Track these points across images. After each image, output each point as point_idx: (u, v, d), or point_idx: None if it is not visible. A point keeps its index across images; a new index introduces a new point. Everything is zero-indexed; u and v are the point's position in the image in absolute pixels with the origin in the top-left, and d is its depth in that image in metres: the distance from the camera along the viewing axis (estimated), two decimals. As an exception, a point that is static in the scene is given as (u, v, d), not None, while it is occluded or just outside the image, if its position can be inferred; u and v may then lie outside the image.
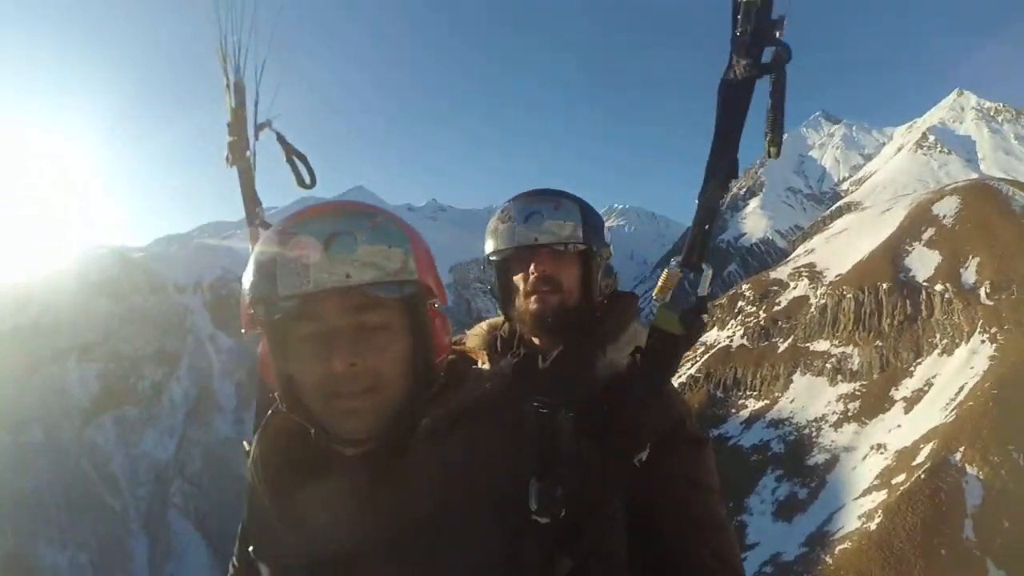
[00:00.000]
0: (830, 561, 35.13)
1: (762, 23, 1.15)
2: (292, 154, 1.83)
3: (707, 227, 1.26)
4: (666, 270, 1.30)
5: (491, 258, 1.82)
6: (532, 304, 1.71)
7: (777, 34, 1.15)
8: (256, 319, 1.13)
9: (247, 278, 1.14)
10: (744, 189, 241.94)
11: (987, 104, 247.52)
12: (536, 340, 1.78)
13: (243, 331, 1.19)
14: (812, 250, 69.50)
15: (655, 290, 1.32)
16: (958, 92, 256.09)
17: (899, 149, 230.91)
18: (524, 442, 1.19)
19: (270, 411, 1.28)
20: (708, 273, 1.27)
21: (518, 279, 1.76)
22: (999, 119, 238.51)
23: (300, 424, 1.16)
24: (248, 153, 1.74)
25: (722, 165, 1.23)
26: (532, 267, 1.71)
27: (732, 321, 65.12)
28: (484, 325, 1.94)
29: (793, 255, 78.54)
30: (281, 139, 1.83)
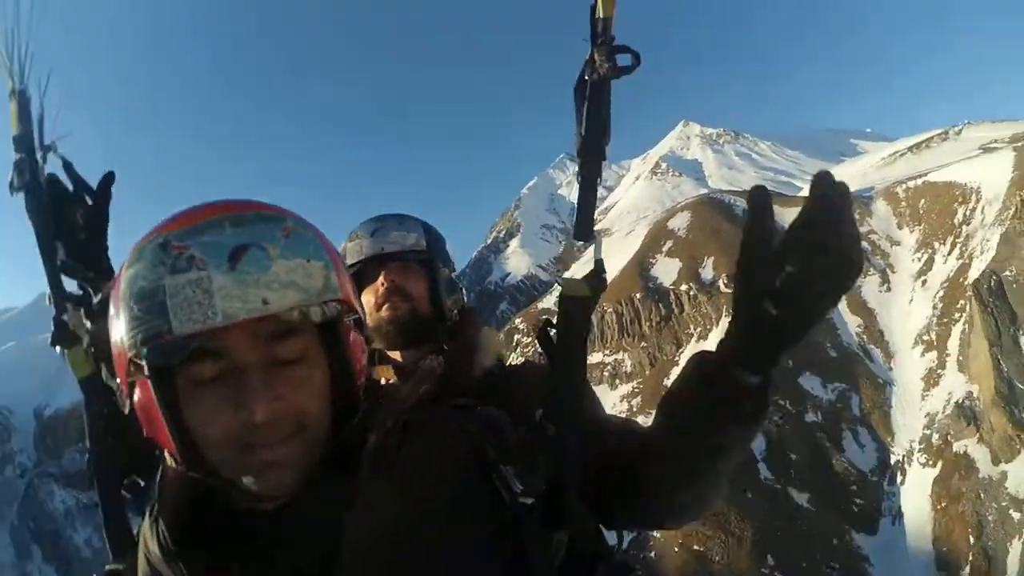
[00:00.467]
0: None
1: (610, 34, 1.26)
2: (81, 189, 1.44)
3: (591, 200, 1.30)
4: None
5: None
6: (385, 312, 1.71)
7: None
8: (139, 368, 0.87)
9: (121, 315, 0.87)
10: (503, 232, 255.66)
11: (709, 130, 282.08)
12: (394, 355, 1.77)
13: (118, 385, 0.96)
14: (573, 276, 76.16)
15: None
16: (684, 123, 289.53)
17: (637, 178, 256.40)
18: (476, 437, 1.08)
19: (159, 480, 0.98)
20: (600, 240, 1.31)
21: (368, 294, 1.74)
22: (720, 142, 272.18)
23: (194, 487, 0.92)
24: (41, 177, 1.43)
25: (596, 144, 1.28)
26: (381, 277, 1.72)
27: (512, 355, 68.53)
28: None
29: (555, 285, 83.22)
30: (68, 167, 1.45)
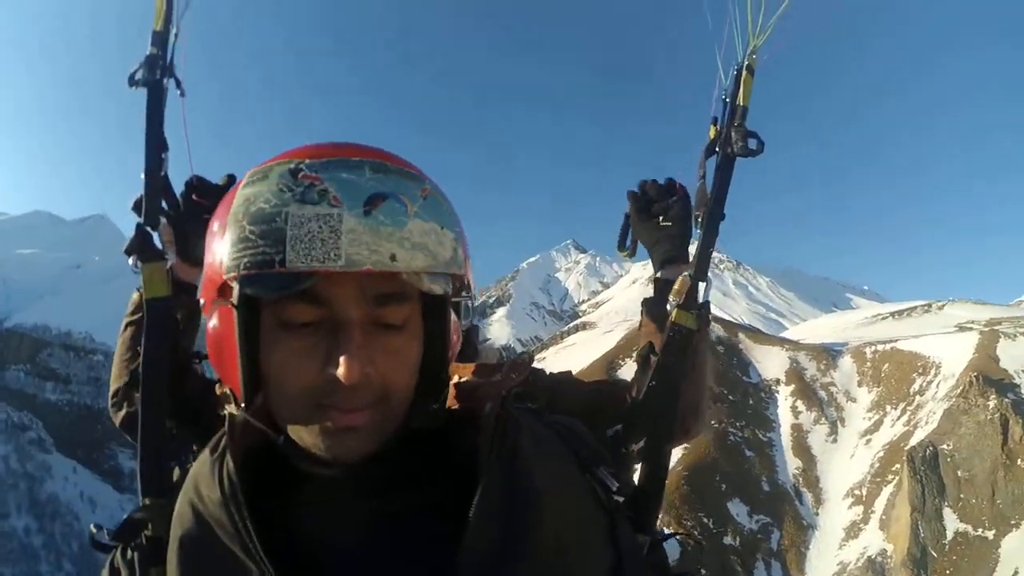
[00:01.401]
0: None
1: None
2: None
3: (710, 249, 1.45)
4: (680, 277, 1.45)
5: None
6: None
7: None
8: (229, 292, 0.80)
9: (227, 233, 0.79)
10: (493, 299, 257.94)
11: (714, 255, 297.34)
12: None
13: (202, 304, 0.88)
14: (544, 359, 77.83)
15: (671, 293, 1.46)
16: (692, 242, 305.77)
17: (634, 281, 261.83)
18: (569, 435, 1.02)
19: (227, 421, 0.85)
20: (710, 282, 1.44)
21: None
22: (721, 267, 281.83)
23: (260, 436, 0.84)
24: (165, 76, 1.38)
25: (720, 207, 1.45)
26: None
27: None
28: None
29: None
30: (177, 82, 1.44)
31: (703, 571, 38.20)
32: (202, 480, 0.87)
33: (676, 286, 1.46)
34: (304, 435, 0.82)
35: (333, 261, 0.75)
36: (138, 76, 1.40)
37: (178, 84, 1.45)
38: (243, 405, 0.84)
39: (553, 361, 77.11)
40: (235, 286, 0.79)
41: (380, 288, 0.80)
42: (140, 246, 1.33)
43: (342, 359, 0.77)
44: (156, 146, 1.32)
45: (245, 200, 0.79)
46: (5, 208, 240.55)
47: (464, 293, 0.90)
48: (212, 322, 0.86)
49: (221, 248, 0.80)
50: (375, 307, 0.81)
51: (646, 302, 1.63)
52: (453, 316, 0.90)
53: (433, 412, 0.89)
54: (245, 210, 0.78)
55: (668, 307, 1.48)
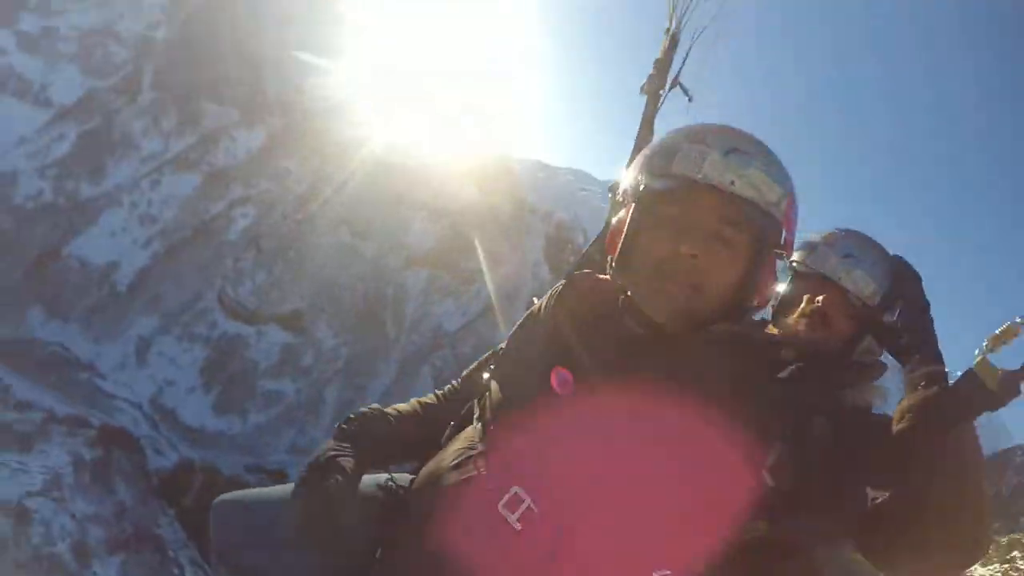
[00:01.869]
0: None
1: None
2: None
3: None
4: (1008, 323, 1.14)
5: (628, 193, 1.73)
6: (802, 324, 1.83)
7: None
8: (638, 187, 1.22)
9: (647, 153, 1.25)
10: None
11: None
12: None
13: (618, 197, 1.32)
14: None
15: (989, 337, 1.14)
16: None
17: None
18: (777, 400, 1.15)
19: (581, 271, 1.38)
20: None
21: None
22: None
23: (607, 293, 1.27)
24: (660, 91, 1.57)
25: None
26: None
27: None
28: None
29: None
30: (684, 90, 1.69)
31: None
32: (555, 296, 1.38)
33: (1000, 330, 1.16)
34: (638, 291, 1.22)
35: (695, 173, 1.15)
36: (644, 87, 1.57)
37: (684, 91, 1.57)
38: (613, 266, 1.26)
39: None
40: (640, 187, 1.22)
41: (725, 211, 1.16)
42: None
43: (684, 241, 1.15)
44: (647, 129, 1.34)
45: (662, 139, 1.24)
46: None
47: (780, 250, 1.24)
48: (617, 216, 1.28)
49: (633, 170, 1.25)
50: (720, 225, 1.17)
51: None
52: (772, 266, 1.24)
53: (730, 322, 1.21)
54: (653, 148, 1.24)
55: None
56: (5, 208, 47.99)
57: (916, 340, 1.22)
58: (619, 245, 1.25)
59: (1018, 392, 1.12)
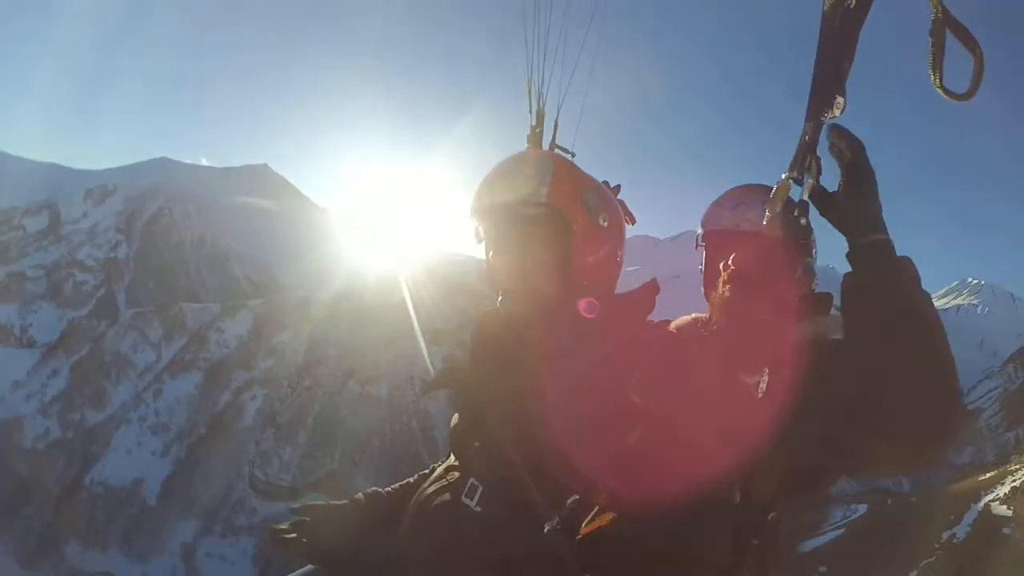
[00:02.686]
0: None
1: None
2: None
3: (810, 140, 1.19)
4: (777, 183, 1.23)
5: (697, 242, 1.96)
6: (727, 291, 1.77)
7: None
8: (476, 230, 1.58)
9: (470, 206, 1.56)
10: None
11: None
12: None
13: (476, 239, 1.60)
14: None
15: (768, 201, 1.25)
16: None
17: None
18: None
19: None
20: (809, 181, 1.20)
21: (713, 266, 1.84)
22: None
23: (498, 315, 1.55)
24: None
25: (821, 79, 1.18)
26: (729, 261, 1.77)
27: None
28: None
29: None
30: (564, 149, 1.87)
31: None
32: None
33: (773, 193, 1.25)
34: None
35: (482, 203, 1.53)
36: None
37: (565, 150, 1.76)
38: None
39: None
40: (476, 230, 1.60)
41: (506, 220, 1.50)
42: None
43: (494, 251, 1.55)
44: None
45: (471, 202, 1.58)
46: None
47: (568, 226, 1.46)
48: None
49: (468, 218, 1.62)
50: (507, 230, 1.50)
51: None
52: (582, 239, 1.48)
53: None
54: (470, 204, 1.59)
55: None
56: (17, 454, 47.52)
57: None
58: (487, 278, 1.59)
59: (802, 226, 1.25)
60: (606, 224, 1.48)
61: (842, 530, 19.64)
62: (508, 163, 1.50)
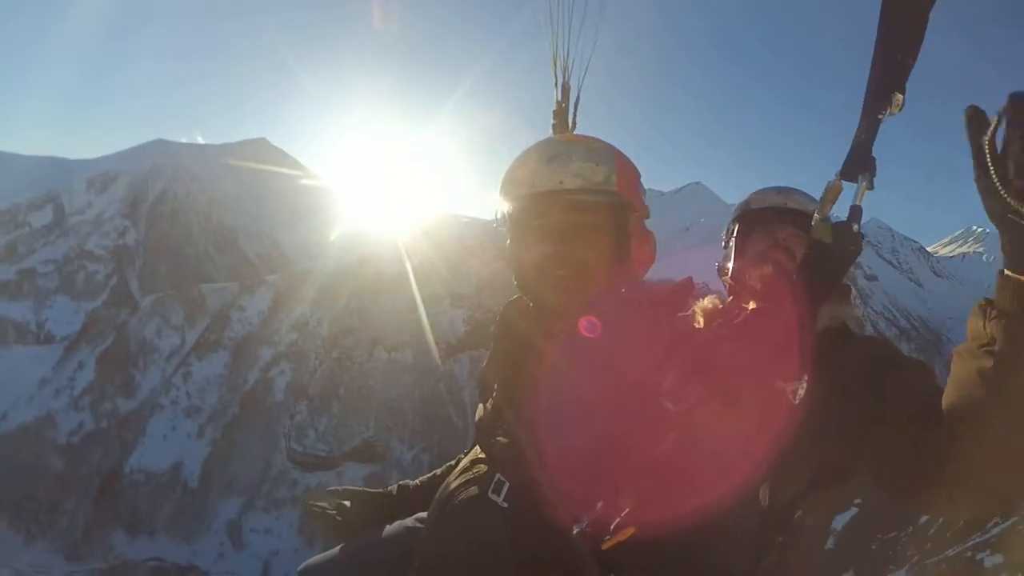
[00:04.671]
0: None
1: None
2: None
3: (865, 139, 1.12)
4: (828, 184, 1.18)
5: (732, 232, 1.87)
6: (766, 266, 1.70)
7: None
8: (505, 215, 1.48)
9: (501, 185, 1.50)
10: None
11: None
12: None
13: (496, 226, 1.55)
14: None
15: (818, 203, 1.21)
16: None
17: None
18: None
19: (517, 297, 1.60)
20: (863, 184, 1.13)
21: (757, 244, 1.77)
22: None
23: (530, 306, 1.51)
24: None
25: (880, 75, 1.11)
26: (775, 234, 1.73)
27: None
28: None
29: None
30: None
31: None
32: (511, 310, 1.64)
33: (823, 194, 1.21)
34: (537, 292, 1.49)
35: (532, 188, 1.42)
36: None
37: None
38: (517, 287, 1.55)
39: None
40: (507, 214, 1.53)
41: (565, 205, 1.41)
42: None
43: (550, 240, 1.41)
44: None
45: (504, 176, 1.52)
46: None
47: (630, 213, 1.46)
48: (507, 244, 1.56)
49: (498, 201, 1.56)
50: (565, 216, 1.41)
51: None
52: (641, 229, 1.49)
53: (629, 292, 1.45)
54: (504, 179, 1.51)
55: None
56: (53, 450, 48.00)
57: None
58: (513, 268, 1.52)
59: (855, 234, 1.16)
60: (648, 215, 1.53)
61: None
62: (554, 147, 1.45)
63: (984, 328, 0.97)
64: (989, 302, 0.98)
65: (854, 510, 17.04)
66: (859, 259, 1.25)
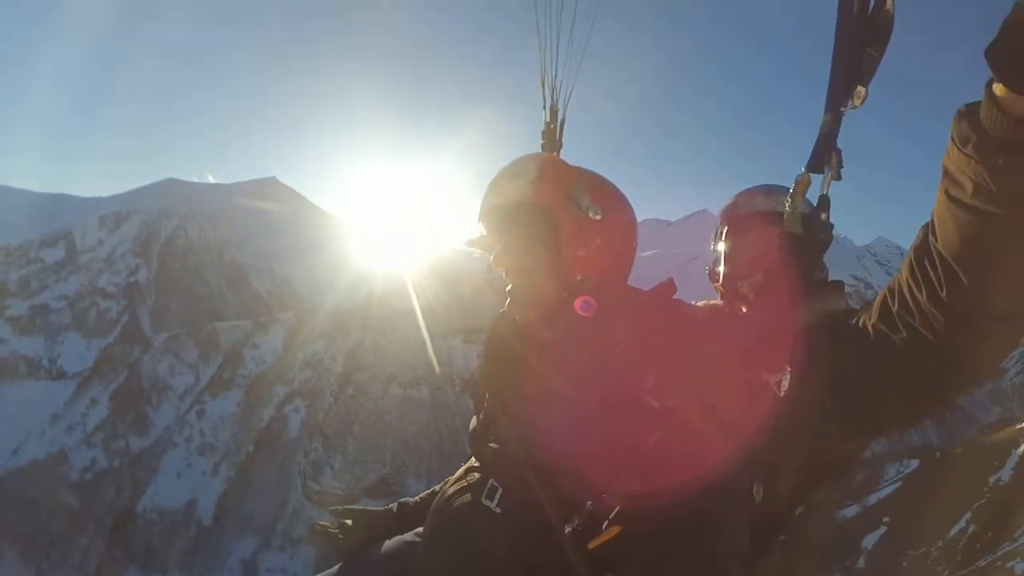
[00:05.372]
0: None
1: None
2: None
3: (828, 132, 1.15)
4: (797, 177, 1.23)
5: (722, 235, 1.93)
6: (758, 271, 1.77)
7: None
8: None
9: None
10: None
11: None
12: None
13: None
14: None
15: (789, 195, 1.26)
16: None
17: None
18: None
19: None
20: (829, 174, 1.18)
21: (751, 248, 1.82)
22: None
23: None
24: (556, 154, 1.84)
25: (841, 69, 1.12)
26: (770, 238, 1.72)
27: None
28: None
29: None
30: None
31: None
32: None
33: (792, 187, 1.26)
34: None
35: (482, 211, 1.60)
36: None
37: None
38: None
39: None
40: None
41: (498, 223, 1.54)
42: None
43: (493, 258, 1.57)
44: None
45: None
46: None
47: (556, 215, 1.48)
48: None
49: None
50: (501, 231, 1.54)
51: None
52: (572, 233, 1.48)
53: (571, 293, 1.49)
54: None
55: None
56: (66, 487, 47.88)
57: None
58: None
59: (823, 223, 1.25)
60: (598, 217, 1.48)
61: (899, 483, 20.55)
62: (505, 167, 1.56)
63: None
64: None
65: (883, 528, 17.45)
66: (868, 278, 1.42)
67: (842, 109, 1.16)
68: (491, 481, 1.38)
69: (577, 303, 1.42)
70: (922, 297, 1.00)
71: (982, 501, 14.90)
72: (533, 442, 1.33)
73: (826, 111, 1.18)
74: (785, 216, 1.27)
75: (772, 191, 1.87)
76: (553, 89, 1.83)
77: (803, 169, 1.23)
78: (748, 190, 1.92)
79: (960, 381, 1.07)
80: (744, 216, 1.87)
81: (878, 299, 1.13)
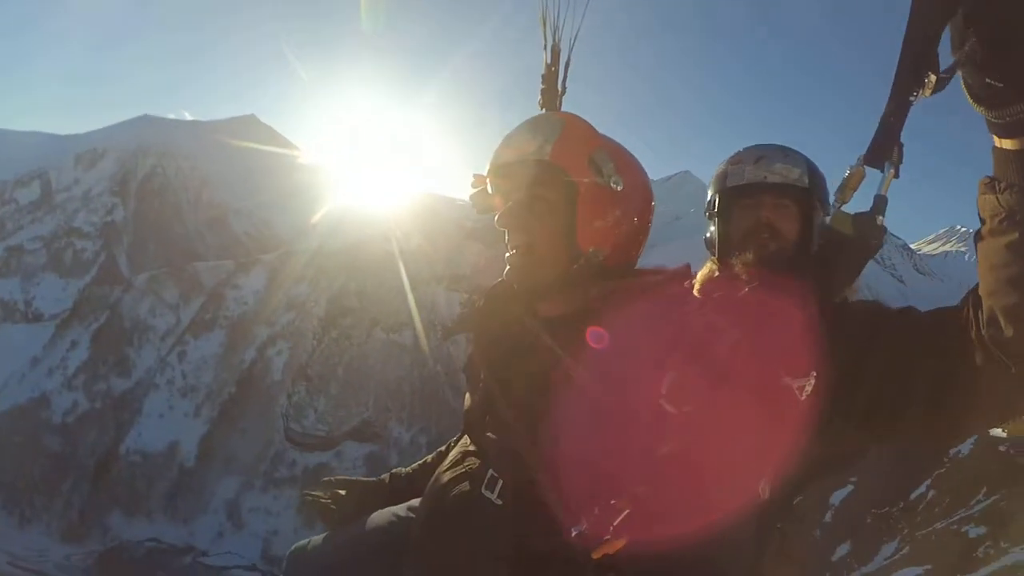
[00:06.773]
0: None
1: None
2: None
3: (894, 122, 1.01)
4: (848, 170, 1.13)
5: (712, 207, 1.79)
6: (750, 246, 1.62)
7: None
8: None
9: None
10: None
11: None
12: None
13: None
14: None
15: (837, 190, 1.15)
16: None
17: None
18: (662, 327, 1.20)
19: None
20: (889, 173, 1.05)
21: (740, 221, 1.70)
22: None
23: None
24: (557, 102, 1.75)
25: (911, 54, 0.96)
26: (758, 213, 1.66)
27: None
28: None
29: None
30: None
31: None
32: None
33: (843, 181, 1.18)
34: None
35: (493, 161, 1.41)
36: (541, 103, 1.67)
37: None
38: None
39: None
40: None
41: (525, 183, 1.36)
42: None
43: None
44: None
45: None
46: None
47: (573, 179, 1.33)
48: None
49: None
50: (524, 193, 1.36)
51: None
52: (593, 204, 1.34)
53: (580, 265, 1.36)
54: None
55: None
56: (48, 431, 47.76)
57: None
58: None
59: (878, 227, 1.13)
60: (619, 188, 1.34)
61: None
62: (523, 122, 1.41)
63: (999, 202, 0.92)
64: (993, 179, 0.93)
65: (851, 486, 18.07)
66: (866, 274, 1.25)
67: (911, 98, 1.00)
68: (491, 472, 1.31)
69: (588, 334, 1.25)
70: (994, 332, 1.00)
71: (942, 470, 15.73)
72: (540, 440, 1.22)
73: (892, 97, 1.02)
74: (833, 214, 1.17)
75: (762, 157, 1.74)
76: (555, 28, 1.69)
77: (857, 161, 1.11)
78: (738, 155, 1.82)
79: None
80: (731, 189, 1.77)
81: (942, 312, 1.12)
